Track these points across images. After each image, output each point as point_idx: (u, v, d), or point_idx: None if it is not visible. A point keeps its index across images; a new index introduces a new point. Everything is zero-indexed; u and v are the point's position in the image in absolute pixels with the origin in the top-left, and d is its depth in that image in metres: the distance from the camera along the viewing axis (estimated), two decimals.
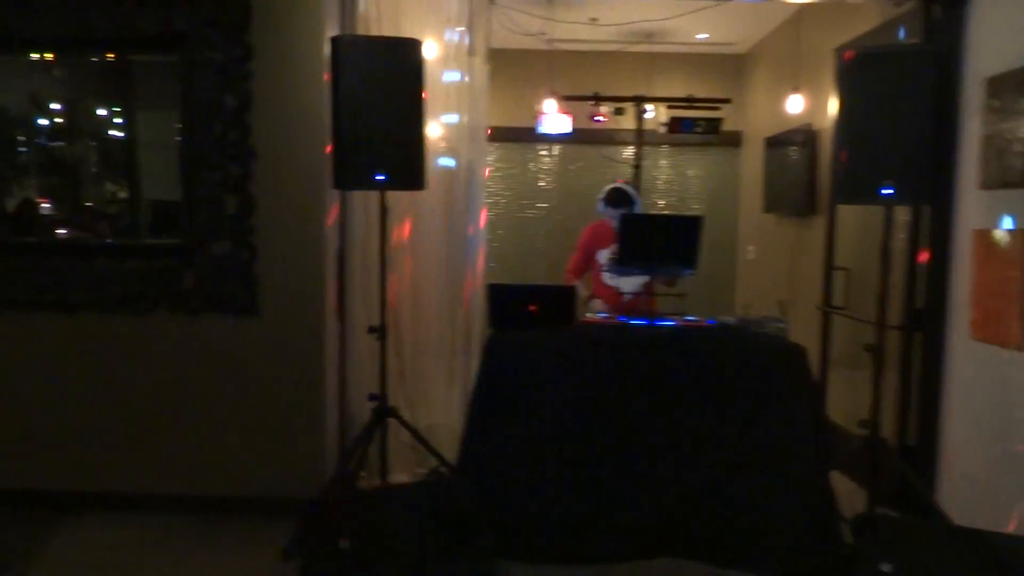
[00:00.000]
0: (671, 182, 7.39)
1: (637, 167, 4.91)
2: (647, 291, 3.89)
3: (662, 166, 7.31)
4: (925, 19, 3.63)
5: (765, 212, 6.09)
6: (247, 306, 3.55)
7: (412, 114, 3.30)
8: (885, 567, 2.59)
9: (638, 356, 3.32)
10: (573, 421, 3.30)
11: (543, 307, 3.43)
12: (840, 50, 4.57)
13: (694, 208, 7.28)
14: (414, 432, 3.62)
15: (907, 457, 3.72)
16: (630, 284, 3.90)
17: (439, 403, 4.08)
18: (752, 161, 6.79)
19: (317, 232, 3.54)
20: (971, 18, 3.46)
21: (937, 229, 3.65)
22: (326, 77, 3.42)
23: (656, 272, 3.51)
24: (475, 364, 4.03)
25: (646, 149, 7.16)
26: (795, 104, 4.79)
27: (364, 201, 3.91)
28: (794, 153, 5.40)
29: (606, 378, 3.31)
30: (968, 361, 3.46)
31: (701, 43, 6.67)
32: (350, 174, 3.27)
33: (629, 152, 7.20)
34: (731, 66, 7.04)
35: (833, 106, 4.62)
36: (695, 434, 3.28)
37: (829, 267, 4.72)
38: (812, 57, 5.08)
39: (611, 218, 4.06)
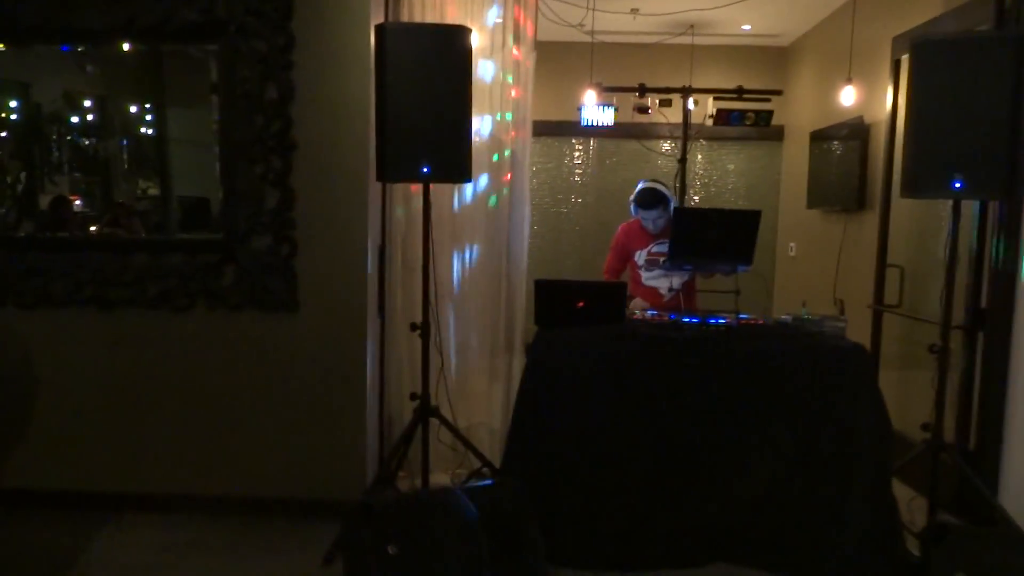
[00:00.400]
0: (708, 177, 7.23)
1: (682, 161, 4.76)
2: (686, 289, 3.74)
3: (700, 161, 7.15)
4: (998, 5, 3.45)
5: (809, 208, 5.91)
6: (287, 302, 3.47)
7: (459, 104, 3.19)
8: None
9: (691, 355, 3.19)
10: (623, 423, 3.18)
11: (591, 304, 3.31)
12: (900, 40, 4.41)
13: (730, 204, 7.12)
14: (456, 433, 3.53)
15: (968, 462, 3.55)
16: (668, 284, 3.77)
17: (480, 402, 3.98)
18: (795, 156, 6.61)
19: (359, 226, 3.44)
20: None
21: (1006, 225, 3.47)
22: (371, 66, 3.33)
23: (710, 269, 3.37)
24: (517, 362, 3.94)
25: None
26: (848, 96, 4.62)
27: (406, 195, 3.83)
28: (844, 147, 5.23)
29: (658, 378, 3.18)
30: None
31: (744, 35, 6.50)
32: (394, 166, 3.16)
33: (667, 146, 7.06)
34: (774, 59, 6.86)
35: (888, 98, 4.48)
36: (753, 437, 3.15)
37: (882, 264, 4.55)
38: (864, 49, 4.91)
39: (647, 220, 3.90)
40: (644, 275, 3.97)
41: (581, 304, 3.31)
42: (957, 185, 3.02)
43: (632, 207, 4.01)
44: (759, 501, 3.13)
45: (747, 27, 6.31)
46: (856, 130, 5.03)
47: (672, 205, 3.90)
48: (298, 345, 3.49)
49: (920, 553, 2.78)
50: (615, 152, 7.13)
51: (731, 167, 7.23)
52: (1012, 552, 2.66)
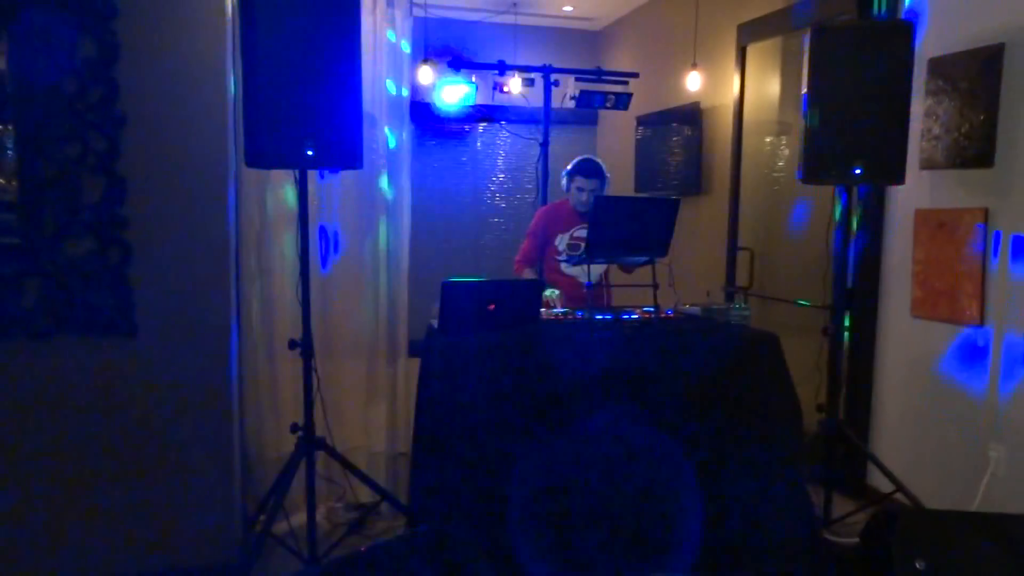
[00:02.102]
0: (512, 160, 7.09)
1: (544, 144, 4.51)
2: (606, 281, 3.51)
3: (500, 143, 6.97)
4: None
5: (637, 192, 5.98)
6: (120, 323, 2.68)
7: (347, 71, 2.64)
8: (920, 564, 2.46)
9: (608, 355, 2.96)
10: (542, 435, 2.87)
11: (504, 305, 2.94)
12: (746, 28, 4.51)
13: (529, 188, 7.08)
14: (348, 465, 3.00)
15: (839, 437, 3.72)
16: (591, 273, 3.52)
17: (355, 423, 3.43)
18: (613, 140, 6.67)
19: (217, 223, 2.75)
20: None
21: (872, 208, 3.65)
22: (226, 18, 2.67)
23: (625, 260, 3.15)
24: (403, 375, 3.46)
25: (486, 127, 6.79)
26: (694, 81, 4.65)
27: (260, 183, 3.17)
28: (680, 132, 5.30)
29: (575, 384, 2.91)
30: (907, 339, 3.50)
31: (564, 16, 6.40)
32: (269, 149, 2.55)
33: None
34: (588, 42, 6.86)
35: (735, 85, 4.57)
36: (675, 436, 2.99)
37: (733, 248, 4.67)
38: (697, 36, 4.97)
39: (583, 191, 3.57)
40: (563, 264, 3.64)
41: (493, 306, 2.93)
42: (857, 171, 3.06)
43: (565, 180, 3.66)
44: (682, 505, 2.99)
45: (569, 8, 6.22)
46: (692, 115, 5.12)
47: (608, 183, 3.64)
48: (138, 378, 2.71)
49: (862, 540, 2.79)
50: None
51: (534, 152, 7.14)
52: (968, 533, 2.66)
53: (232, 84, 2.78)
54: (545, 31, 6.63)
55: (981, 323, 3.09)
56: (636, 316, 3.16)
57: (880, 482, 3.59)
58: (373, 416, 3.44)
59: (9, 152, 2.54)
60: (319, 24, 2.57)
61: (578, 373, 2.90)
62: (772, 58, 4.43)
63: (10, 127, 2.52)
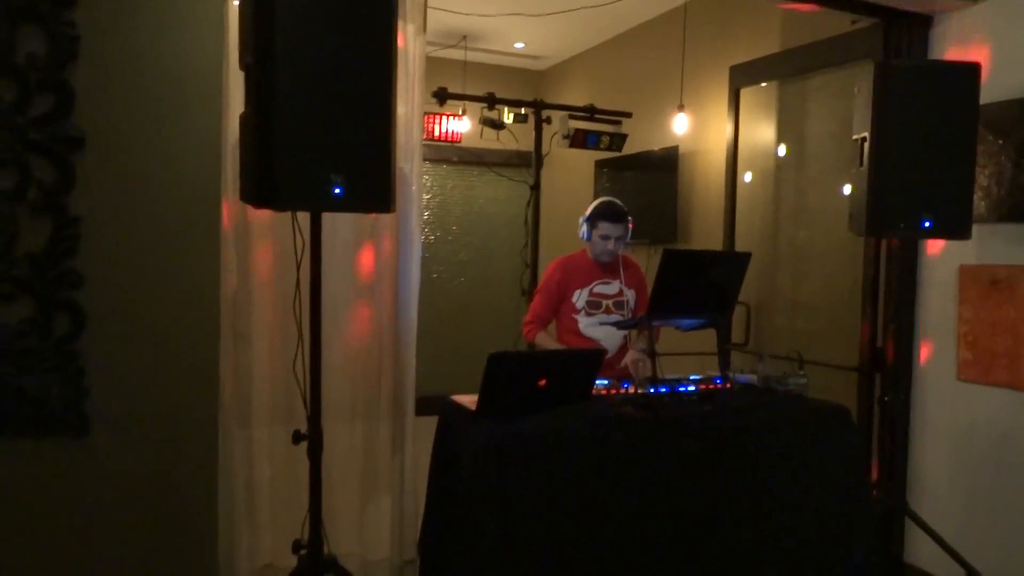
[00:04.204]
0: (461, 207, 6.67)
1: (535, 187, 4.04)
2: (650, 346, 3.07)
3: (449, 189, 6.54)
4: (885, 43, 3.38)
5: None
6: (67, 419, 1.95)
7: (381, 92, 2.08)
8: None
9: (678, 437, 2.50)
10: (617, 536, 2.36)
11: (556, 381, 2.42)
12: (739, 70, 4.26)
13: (453, 231, 6.71)
14: None
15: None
16: (612, 337, 3.04)
17: (349, 525, 2.76)
18: (564, 185, 6.30)
19: (205, 279, 2.08)
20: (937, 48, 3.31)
21: (907, 264, 3.40)
22: (225, 14, 2.05)
23: (682, 324, 2.70)
24: (411, 464, 2.83)
25: (431, 168, 6.35)
26: (681, 124, 4.35)
27: (238, 229, 2.50)
28: (652, 177, 4.99)
29: (646, 472, 2.44)
30: (953, 404, 3.25)
31: (511, 54, 6.02)
32: (290, 183, 1.94)
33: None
34: (531, 82, 6.51)
35: (728, 129, 4.29)
36: (755, 527, 2.56)
37: None
38: (689, 77, 4.68)
39: (608, 238, 3.10)
40: (583, 322, 3.12)
41: (544, 382, 2.39)
42: (927, 224, 2.79)
43: (585, 228, 3.16)
44: None
45: (520, 45, 5.85)
46: (669, 160, 4.81)
47: (630, 228, 3.19)
48: (91, 492, 1.97)
49: None
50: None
51: (481, 198, 6.74)
52: None
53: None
54: (489, 68, 6.22)
55: None
56: (694, 388, 2.71)
57: (919, 558, 3.30)
58: (369, 517, 2.78)
59: None
60: (348, 30, 2.02)
61: (654, 463, 2.42)
62: (767, 102, 4.21)
63: None
